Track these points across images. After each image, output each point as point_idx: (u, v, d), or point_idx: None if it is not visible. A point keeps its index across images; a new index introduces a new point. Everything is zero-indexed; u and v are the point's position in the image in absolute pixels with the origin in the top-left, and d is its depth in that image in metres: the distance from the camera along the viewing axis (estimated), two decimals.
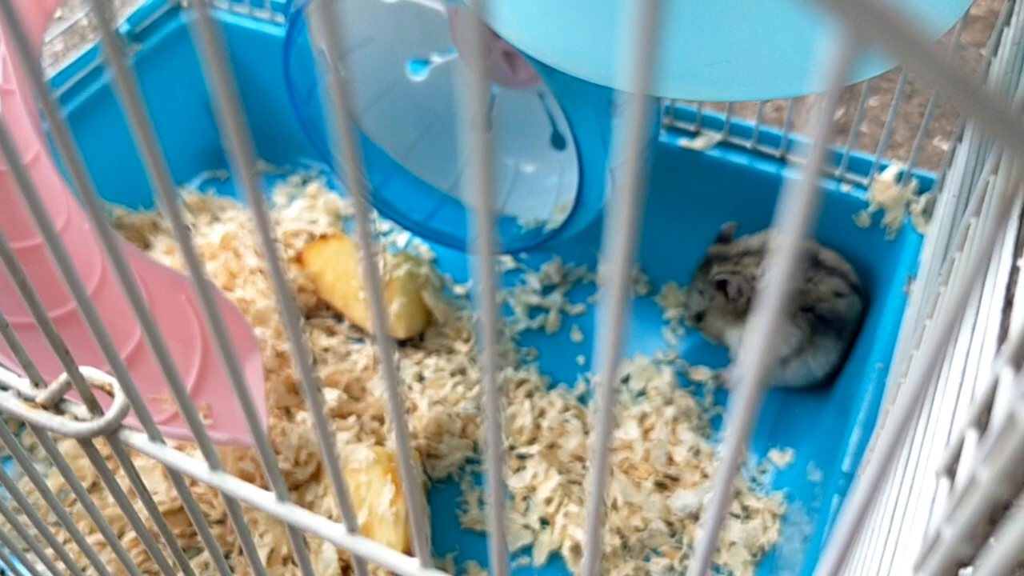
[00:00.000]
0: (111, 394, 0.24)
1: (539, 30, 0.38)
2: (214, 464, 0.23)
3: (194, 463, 0.23)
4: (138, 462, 0.58)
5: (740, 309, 0.61)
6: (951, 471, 0.21)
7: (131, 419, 0.25)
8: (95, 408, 0.24)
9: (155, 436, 0.24)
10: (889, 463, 0.16)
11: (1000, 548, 0.14)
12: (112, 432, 0.24)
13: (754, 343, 0.14)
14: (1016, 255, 0.25)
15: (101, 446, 0.30)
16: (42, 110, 0.19)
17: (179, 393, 0.22)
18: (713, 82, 0.33)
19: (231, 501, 0.24)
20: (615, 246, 0.13)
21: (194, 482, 0.58)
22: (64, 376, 0.24)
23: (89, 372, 0.24)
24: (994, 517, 0.17)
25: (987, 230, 0.10)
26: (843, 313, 0.61)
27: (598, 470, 0.17)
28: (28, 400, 0.25)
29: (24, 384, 0.25)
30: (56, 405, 0.24)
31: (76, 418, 0.24)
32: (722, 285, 0.61)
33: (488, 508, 0.59)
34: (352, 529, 0.22)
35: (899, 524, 0.26)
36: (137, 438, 0.24)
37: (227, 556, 0.56)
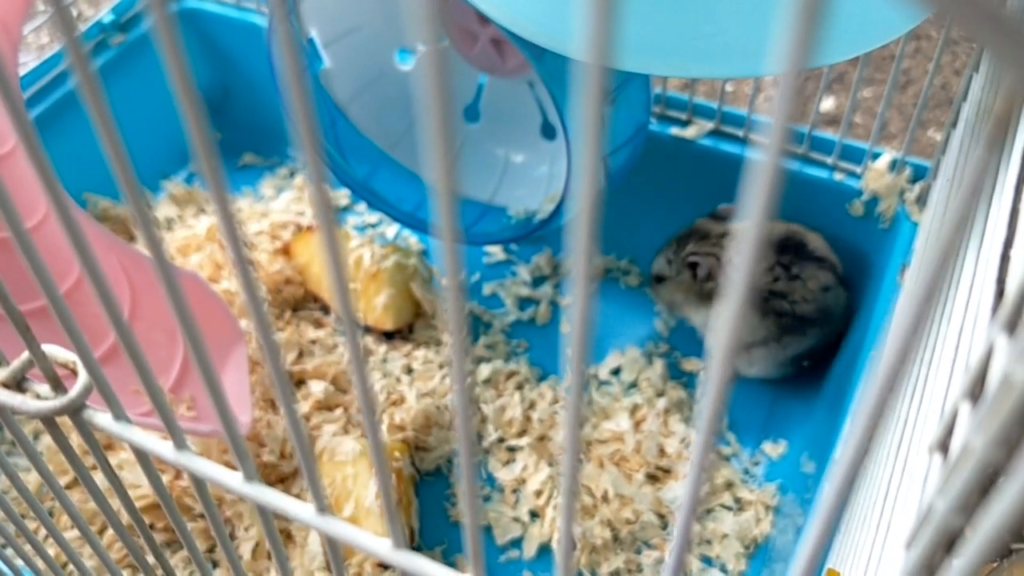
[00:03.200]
0: (75, 372, 0.23)
1: (526, 7, 0.37)
2: (179, 444, 0.22)
3: (159, 443, 0.22)
4: (121, 455, 0.57)
5: (706, 291, 0.61)
6: (944, 446, 0.20)
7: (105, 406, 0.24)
8: (58, 387, 0.23)
9: (120, 415, 0.23)
10: (872, 431, 0.15)
11: (991, 512, 0.13)
12: (76, 411, 0.23)
13: (720, 333, 0.13)
14: (1010, 229, 0.25)
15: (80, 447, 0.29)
16: (24, 101, 0.18)
17: (143, 374, 0.21)
18: (700, 57, 0.32)
19: (198, 482, 0.23)
20: (577, 228, 0.13)
21: (179, 475, 0.57)
22: (26, 354, 0.23)
23: (51, 350, 0.23)
24: (985, 487, 0.16)
25: (979, 154, 0.09)
26: (831, 307, 0.60)
27: (570, 454, 0.16)
28: None
29: None
30: (18, 384, 0.24)
31: (38, 396, 0.23)
32: (693, 266, 0.60)
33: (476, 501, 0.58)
34: (322, 509, 0.21)
35: (891, 505, 0.25)
36: (101, 418, 0.23)
37: (212, 550, 0.55)
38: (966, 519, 0.15)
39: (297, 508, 0.21)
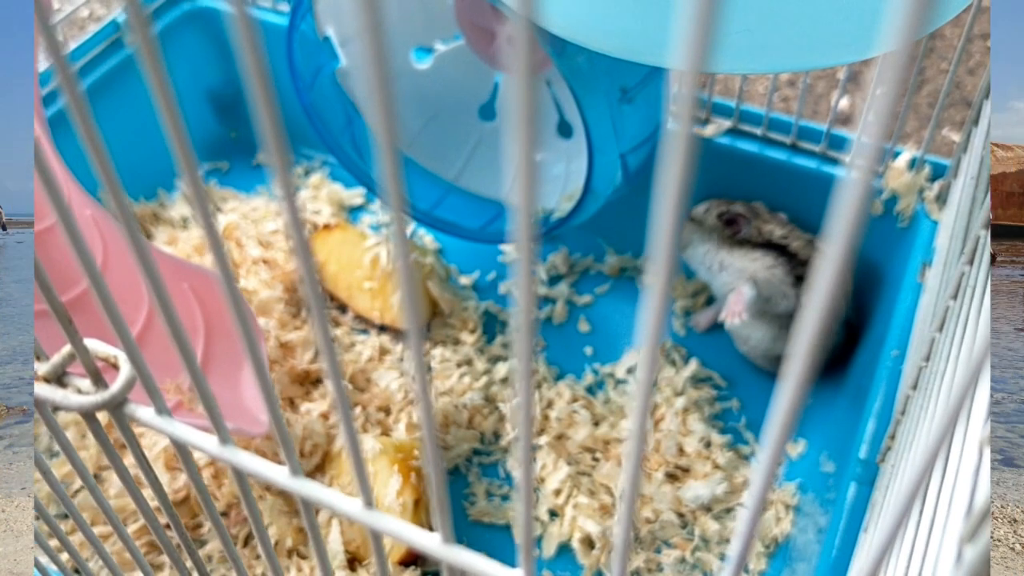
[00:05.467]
0: (116, 367, 0.23)
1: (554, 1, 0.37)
2: (224, 438, 0.22)
3: (203, 437, 0.22)
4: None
5: (733, 238, 0.62)
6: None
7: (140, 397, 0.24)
8: (99, 381, 0.23)
9: (162, 410, 0.23)
10: (937, 452, 0.15)
11: None
12: (117, 406, 0.23)
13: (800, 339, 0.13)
14: None
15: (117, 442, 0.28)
16: (60, 87, 0.18)
17: (190, 365, 0.21)
18: (733, 54, 0.32)
19: (241, 477, 0.23)
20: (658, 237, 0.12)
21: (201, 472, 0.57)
22: (67, 348, 0.23)
23: (94, 344, 0.23)
24: None
25: None
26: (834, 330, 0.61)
27: (632, 469, 0.16)
28: None
29: None
30: (59, 378, 0.24)
31: (80, 391, 0.23)
32: (730, 222, 0.62)
33: (495, 500, 0.58)
34: (369, 503, 0.21)
35: (933, 502, 0.25)
36: (143, 412, 0.23)
37: None
38: None
39: (345, 503, 0.21)
